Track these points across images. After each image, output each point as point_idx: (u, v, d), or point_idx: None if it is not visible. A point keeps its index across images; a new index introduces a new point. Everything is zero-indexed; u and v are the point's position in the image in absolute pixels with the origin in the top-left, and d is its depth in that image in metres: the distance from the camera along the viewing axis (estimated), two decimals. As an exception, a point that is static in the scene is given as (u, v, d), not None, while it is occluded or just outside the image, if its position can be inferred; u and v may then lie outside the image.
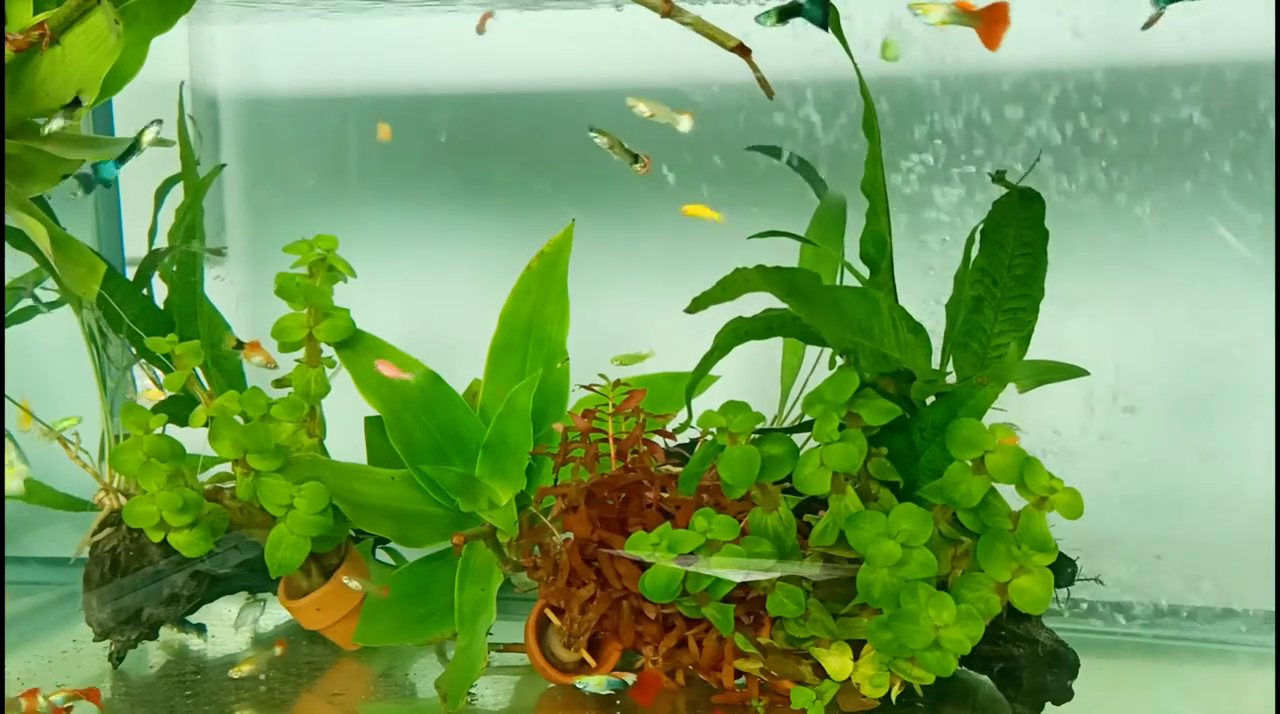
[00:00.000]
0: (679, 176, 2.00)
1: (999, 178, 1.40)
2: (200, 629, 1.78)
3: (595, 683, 1.46)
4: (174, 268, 1.82)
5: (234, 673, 1.60)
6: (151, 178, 1.86)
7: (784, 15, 1.33)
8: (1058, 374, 1.51)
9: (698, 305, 1.25)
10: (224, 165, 1.90)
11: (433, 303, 2.16)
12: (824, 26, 1.33)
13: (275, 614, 1.81)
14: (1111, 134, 1.83)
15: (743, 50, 1.27)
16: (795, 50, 1.68)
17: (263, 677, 1.61)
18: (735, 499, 1.41)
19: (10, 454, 1.62)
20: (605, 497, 1.52)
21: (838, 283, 1.62)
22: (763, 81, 1.26)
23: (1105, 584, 1.56)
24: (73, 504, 1.89)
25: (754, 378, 1.69)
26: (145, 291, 1.82)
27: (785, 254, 1.40)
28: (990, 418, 1.38)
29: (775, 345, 1.75)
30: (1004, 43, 1.30)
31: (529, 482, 1.67)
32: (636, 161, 1.51)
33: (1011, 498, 1.36)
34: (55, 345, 1.91)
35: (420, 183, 2.17)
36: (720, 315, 1.32)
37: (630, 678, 1.46)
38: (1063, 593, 1.52)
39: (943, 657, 1.31)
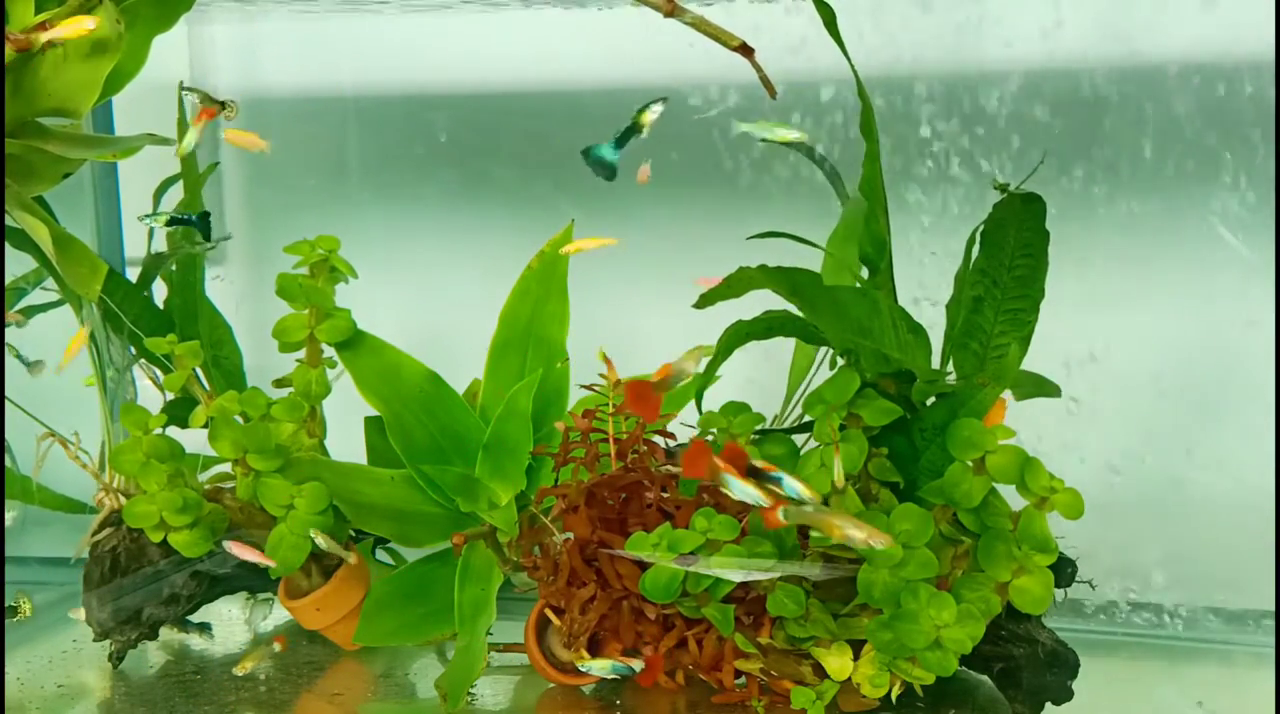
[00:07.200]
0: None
1: (1000, 187, 1.40)
2: (204, 628, 1.78)
3: (599, 667, 1.46)
4: (174, 268, 1.82)
5: (237, 670, 1.61)
6: (150, 176, 1.86)
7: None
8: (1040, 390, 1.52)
9: (705, 301, 1.26)
10: (217, 164, 1.90)
11: (433, 303, 2.16)
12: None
13: (276, 614, 1.81)
14: (1112, 133, 1.83)
15: (745, 50, 1.27)
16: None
17: (263, 676, 1.61)
18: (736, 499, 1.41)
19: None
20: (605, 497, 1.52)
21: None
22: (765, 81, 1.26)
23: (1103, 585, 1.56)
24: (72, 506, 1.90)
25: (753, 378, 1.69)
26: (146, 292, 1.82)
27: (788, 254, 1.39)
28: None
29: (774, 346, 1.75)
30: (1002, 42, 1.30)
31: (529, 482, 1.67)
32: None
33: (1012, 498, 1.36)
34: (55, 345, 1.90)
35: (420, 183, 2.17)
36: (720, 315, 1.32)
37: (638, 664, 1.46)
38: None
39: (943, 656, 1.31)
